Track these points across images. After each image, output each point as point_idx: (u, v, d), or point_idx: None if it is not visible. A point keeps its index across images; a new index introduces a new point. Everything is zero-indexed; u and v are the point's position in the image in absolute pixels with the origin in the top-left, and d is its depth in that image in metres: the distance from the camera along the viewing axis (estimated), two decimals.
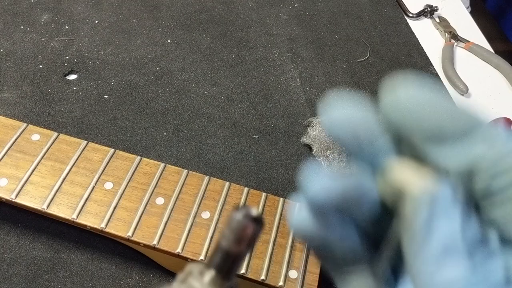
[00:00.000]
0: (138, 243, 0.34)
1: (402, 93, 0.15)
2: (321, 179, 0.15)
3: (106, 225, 0.34)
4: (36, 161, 0.37)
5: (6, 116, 0.40)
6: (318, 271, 0.34)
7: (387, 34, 0.62)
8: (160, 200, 0.36)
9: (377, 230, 0.17)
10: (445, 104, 0.15)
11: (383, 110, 0.15)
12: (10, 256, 0.37)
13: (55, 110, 0.47)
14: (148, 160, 0.39)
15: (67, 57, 0.52)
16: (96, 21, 0.57)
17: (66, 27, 0.56)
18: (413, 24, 0.64)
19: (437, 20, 0.64)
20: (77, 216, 0.35)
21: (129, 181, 0.37)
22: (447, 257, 0.14)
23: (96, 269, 0.37)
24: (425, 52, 0.60)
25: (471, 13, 0.67)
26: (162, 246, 0.34)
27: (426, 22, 0.65)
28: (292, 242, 0.35)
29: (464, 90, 0.56)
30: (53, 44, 0.54)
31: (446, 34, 0.63)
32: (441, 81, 0.57)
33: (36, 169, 0.37)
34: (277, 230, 0.36)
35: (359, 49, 0.60)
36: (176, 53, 0.55)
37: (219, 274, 0.17)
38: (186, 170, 0.38)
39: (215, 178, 0.39)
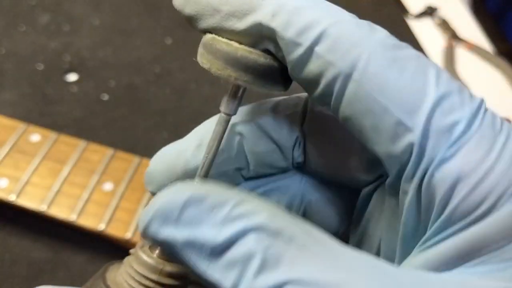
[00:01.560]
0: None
1: None
2: None
3: (106, 226, 0.34)
4: (36, 162, 0.37)
5: (6, 116, 0.40)
6: None
7: None
8: None
9: None
10: None
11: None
12: (11, 256, 0.37)
13: (55, 111, 0.47)
14: (147, 160, 0.39)
15: (67, 58, 0.52)
16: (96, 22, 0.57)
17: (66, 27, 0.56)
18: (414, 25, 0.64)
19: (438, 20, 0.64)
20: (77, 218, 0.35)
21: (129, 182, 0.37)
22: None
23: (96, 269, 0.37)
24: (425, 53, 0.60)
25: (472, 13, 0.67)
26: None
27: (426, 22, 0.65)
28: None
29: None
30: (53, 44, 0.54)
31: (447, 34, 0.63)
32: None
33: (36, 170, 0.36)
34: None
35: None
36: (176, 53, 0.55)
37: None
38: None
39: None
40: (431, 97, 0.12)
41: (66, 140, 0.39)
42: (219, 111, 0.17)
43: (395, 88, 0.13)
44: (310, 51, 0.13)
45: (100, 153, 0.38)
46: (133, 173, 0.37)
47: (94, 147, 0.39)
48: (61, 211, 0.35)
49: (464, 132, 0.12)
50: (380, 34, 0.13)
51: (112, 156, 0.38)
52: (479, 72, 0.59)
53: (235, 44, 0.15)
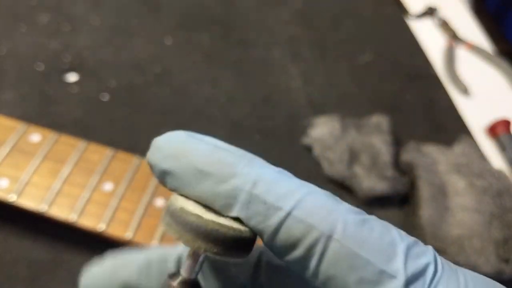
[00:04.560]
0: (138, 245, 0.34)
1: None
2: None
3: (106, 227, 0.34)
4: (36, 162, 0.37)
5: (6, 116, 0.40)
6: None
7: (388, 34, 0.62)
8: (160, 201, 0.36)
9: None
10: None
11: None
12: (11, 257, 0.37)
13: (55, 111, 0.47)
14: None
15: (68, 58, 0.52)
16: (97, 22, 0.57)
17: (67, 28, 0.56)
18: (414, 25, 0.64)
19: (438, 21, 0.64)
20: (77, 218, 0.35)
21: (129, 182, 0.37)
22: None
23: None
24: (425, 53, 0.60)
25: (472, 13, 0.67)
26: None
27: (426, 22, 0.65)
28: None
29: (464, 91, 0.56)
30: (53, 44, 0.54)
31: (447, 34, 0.63)
32: (441, 81, 0.57)
33: (36, 170, 0.36)
34: None
35: (360, 49, 0.59)
36: (176, 54, 0.55)
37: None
38: None
39: None
40: (401, 248, 0.15)
41: (67, 140, 0.39)
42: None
43: (371, 244, 0.15)
44: (289, 215, 0.15)
45: (100, 153, 0.38)
46: (133, 173, 0.37)
47: (94, 147, 0.39)
48: (61, 211, 0.35)
49: (434, 273, 0.15)
50: (345, 204, 0.16)
51: (112, 156, 0.38)
52: (479, 72, 0.59)
53: (205, 216, 0.16)
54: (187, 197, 0.16)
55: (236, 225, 0.16)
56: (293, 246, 0.15)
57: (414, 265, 0.15)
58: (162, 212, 0.17)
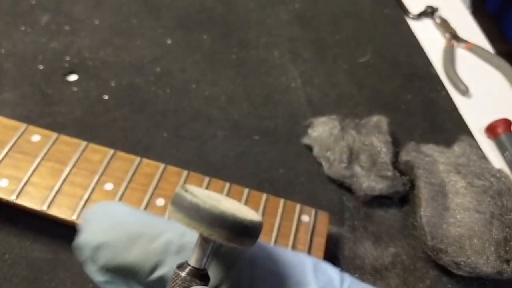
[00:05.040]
0: None
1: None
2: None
3: None
4: (36, 162, 0.37)
5: (6, 116, 0.40)
6: None
7: (388, 34, 0.62)
8: (160, 201, 0.36)
9: None
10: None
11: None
12: (10, 257, 0.37)
13: (55, 111, 0.47)
14: (148, 161, 0.39)
15: (68, 58, 0.52)
16: (96, 22, 0.57)
17: (66, 28, 0.56)
18: (414, 25, 0.64)
19: (438, 20, 0.64)
20: (77, 217, 0.35)
21: (129, 182, 0.37)
22: None
23: None
24: (425, 53, 0.60)
25: (472, 14, 0.67)
26: None
27: (426, 22, 0.65)
28: (293, 243, 0.35)
29: (464, 91, 0.56)
30: (54, 45, 0.54)
31: (447, 34, 0.63)
32: (441, 81, 0.57)
33: (36, 170, 0.36)
34: (278, 231, 0.36)
35: (360, 49, 0.59)
36: (176, 54, 0.55)
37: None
38: (186, 171, 0.38)
39: (215, 179, 0.38)
40: (310, 263, 0.19)
41: (66, 140, 0.39)
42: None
43: (287, 263, 0.19)
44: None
45: (100, 153, 0.38)
46: (133, 173, 0.37)
47: (94, 147, 0.39)
48: (62, 211, 0.35)
49: (342, 280, 0.19)
50: (260, 242, 0.21)
51: (112, 156, 0.38)
52: (479, 73, 0.59)
53: (208, 201, 0.17)
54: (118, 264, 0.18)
55: (242, 213, 0.17)
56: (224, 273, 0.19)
57: (323, 276, 0.19)
58: (169, 202, 0.18)
